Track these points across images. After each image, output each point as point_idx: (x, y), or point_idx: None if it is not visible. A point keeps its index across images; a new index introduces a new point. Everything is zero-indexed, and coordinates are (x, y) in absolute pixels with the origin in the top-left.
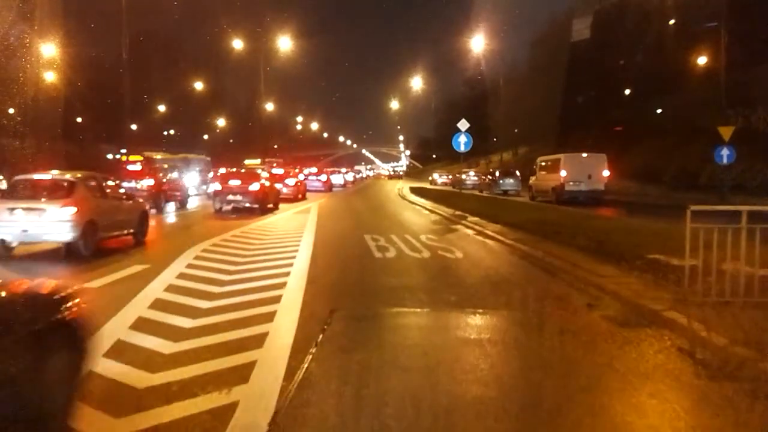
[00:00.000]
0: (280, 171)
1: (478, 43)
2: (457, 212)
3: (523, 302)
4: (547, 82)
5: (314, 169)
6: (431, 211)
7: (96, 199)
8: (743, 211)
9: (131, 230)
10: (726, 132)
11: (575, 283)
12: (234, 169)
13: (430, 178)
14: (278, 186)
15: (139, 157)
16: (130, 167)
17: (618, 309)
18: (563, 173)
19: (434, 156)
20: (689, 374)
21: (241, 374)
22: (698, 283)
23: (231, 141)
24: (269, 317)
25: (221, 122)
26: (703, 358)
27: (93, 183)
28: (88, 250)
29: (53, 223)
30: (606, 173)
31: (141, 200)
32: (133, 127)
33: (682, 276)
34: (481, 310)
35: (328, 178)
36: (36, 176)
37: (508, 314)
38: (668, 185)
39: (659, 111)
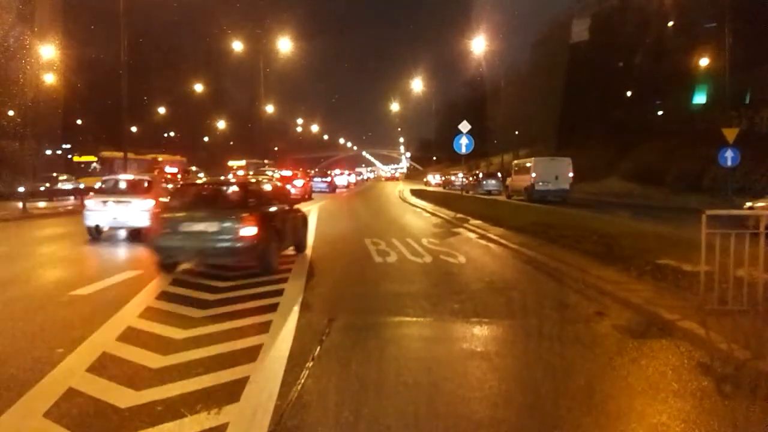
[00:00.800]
0: (287, 173)
1: (478, 45)
2: (459, 215)
3: (529, 311)
4: (547, 83)
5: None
6: (432, 214)
7: (166, 195)
8: (762, 216)
9: None
10: (730, 134)
11: (583, 290)
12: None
13: (424, 180)
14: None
15: (92, 158)
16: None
17: (630, 318)
18: (533, 175)
19: (435, 158)
20: (712, 392)
21: (232, 392)
22: (714, 291)
23: (231, 143)
24: (264, 327)
25: (221, 124)
26: (725, 373)
27: (163, 182)
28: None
29: (137, 212)
30: (570, 175)
31: None
32: (133, 129)
33: (695, 283)
34: (486, 320)
35: (332, 180)
36: (122, 176)
37: (514, 324)
38: (671, 187)
39: (660, 113)
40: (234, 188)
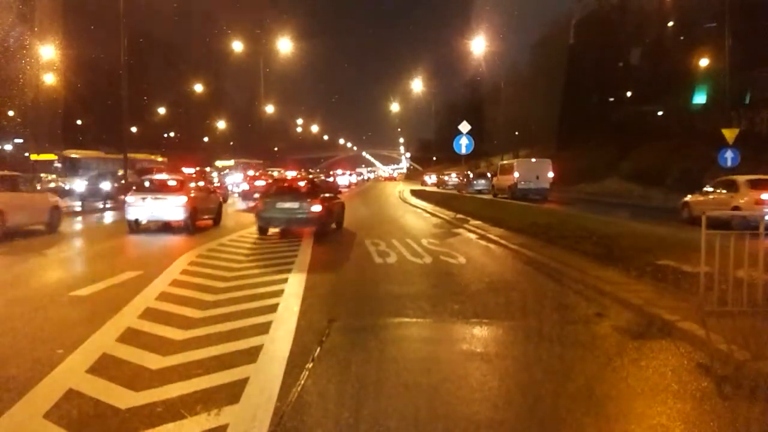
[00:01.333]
0: (292, 173)
1: (478, 46)
2: (459, 215)
3: (529, 312)
4: (547, 84)
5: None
6: (432, 214)
7: (198, 193)
8: (763, 217)
9: (213, 216)
10: (730, 134)
11: (583, 291)
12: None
13: (421, 180)
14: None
15: (51, 156)
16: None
17: (629, 319)
18: (516, 175)
19: (435, 158)
20: (712, 393)
21: (232, 393)
22: (714, 292)
23: (231, 143)
24: (264, 328)
25: (221, 124)
26: (725, 374)
27: (195, 181)
28: (192, 227)
29: (172, 207)
30: (550, 175)
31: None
32: (133, 129)
33: (695, 284)
34: (486, 321)
35: (335, 180)
36: (159, 176)
37: (515, 325)
38: (670, 188)
39: (660, 113)
40: (305, 182)
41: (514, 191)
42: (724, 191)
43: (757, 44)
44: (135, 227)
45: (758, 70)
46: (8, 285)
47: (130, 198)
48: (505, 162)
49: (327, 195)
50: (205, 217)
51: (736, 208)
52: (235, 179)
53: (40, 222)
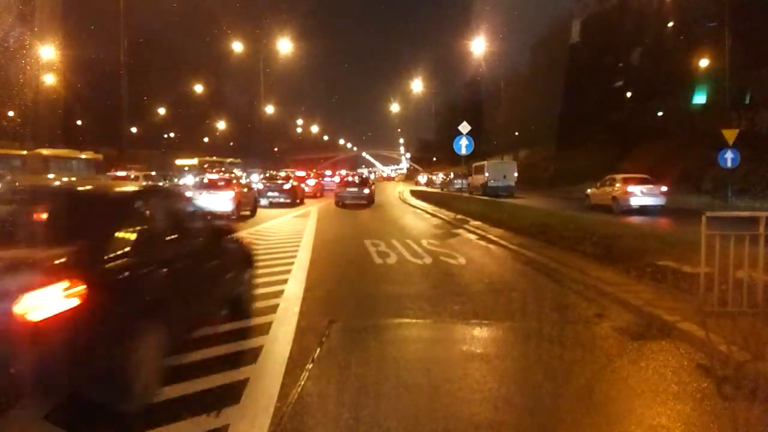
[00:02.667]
0: (301, 173)
1: (478, 46)
2: (459, 216)
3: (529, 312)
4: (547, 84)
5: (329, 172)
6: (432, 215)
7: (240, 189)
8: (762, 218)
9: (250, 208)
10: (730, 135)
11: (583, 292)
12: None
13: (415, 180)
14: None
15: (18, 152)
16: None
17: (629, 320)
18: (486, 174)
19: (435, 159)
20: (712, 394)
21: (232, 393)
22: (714, 293)
23: (231, 144)
24: (265, 329)
25: (221, 125)
26: (725, 375)
27: (238, 179)
28: (236, 216)
29: (223, 201)
30: (515, 174)
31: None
32: (133, 129)
33: (695, 284)
34: (486, 322)
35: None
36: (211, 176)
37: (514, 326)
38: (670, 189)
39: (660, 113)
40: (362, 177)
41: (485, 189)
42: (608, 186)
43: (757, 44)
44: None
45: (758, 70)
46: None
47: (188, 194)
48: (477, 164)
49: (371, 184)
50: (246, 209)
51: (614, 197)
52: (191, 180)
53: None
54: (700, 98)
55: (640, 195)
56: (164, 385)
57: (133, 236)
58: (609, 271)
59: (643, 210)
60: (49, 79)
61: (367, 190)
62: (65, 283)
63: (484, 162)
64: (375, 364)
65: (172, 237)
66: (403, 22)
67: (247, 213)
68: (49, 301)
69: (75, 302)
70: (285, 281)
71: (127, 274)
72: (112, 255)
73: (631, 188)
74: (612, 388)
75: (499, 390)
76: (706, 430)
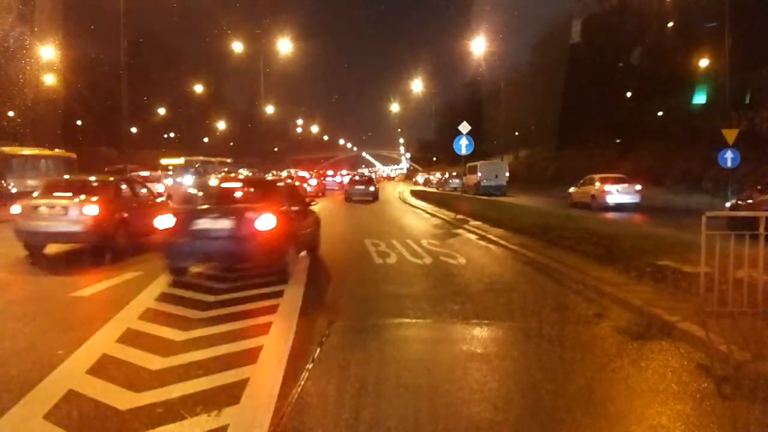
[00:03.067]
0: (304, 173)
1: (478, 46)
2: (459, 216)
3: (529, 312)
4: (547, 84)
5: (330, 172)
6: (432, 215)
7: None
8: (761, 217)
9: None
10: (730, 135)
11: (583, 291)
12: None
13: (414, 180)
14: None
15: None
16: None
17: (629, 319)
18: (479, 174)
19: (435, 159)
20: (712, 394)
21: (233, 394)
22: (714, 293)
23: (231, 144)
24: (264, 329)
25: (221, 125)
26: (725, 375)
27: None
28: None
29: None
30: (507, 174)
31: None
32: (133, 129)
33: (695, 284)
34: (486, 321)
35: (342, 180)
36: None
37: (514, 326)
38: (670, 188)
39: (660, 113)
40: (368, 177)
41: (478, 188)
42: (588, 185)
43: (757, 44)
44: None
45: (758, 70)
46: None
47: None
48: (471, 164)
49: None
50: None
51: (592, 195)
52: (184, 182)
53: None
54: (700, 98)
55: (616, 193)
56: (164, 385)
57: (285, 199)
58: (609, 271)
59: (619, 207)
60: (49, 79)
61: (372, 188)
62: (269, 215)
63: (477, 162)
64: (375, 364)
65: (295, 200)
66: (403, 22)
67: None
68: (264, 222)
69: (273, 223)
70: (285, 281)
71: (286, 214)
72: (281, 207)
73: (607, 187)
74: (612, 388)
75: (499, 390)
76: (706, 430)
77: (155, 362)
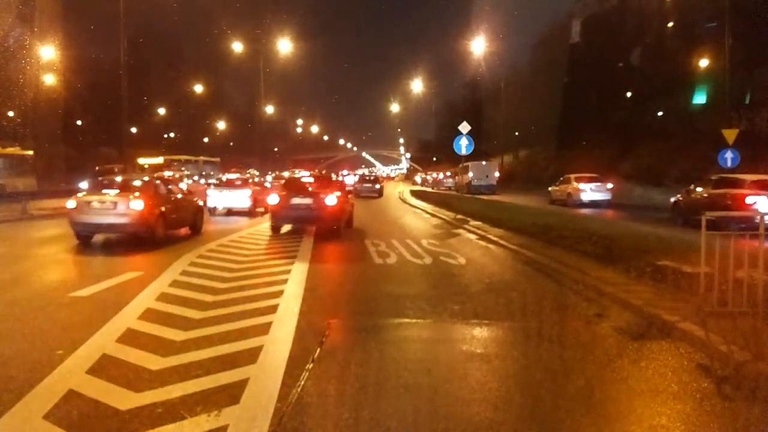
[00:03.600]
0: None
1: (478, 46)
2: (459, 216)
3: (529, 312)
4: (547, 84)
5: (345, 172)
6: (432, 215)
7: (257, 188)
8: (761, 217)
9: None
10: (730, 135)
11: (583, 291)
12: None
13: (412, 180)
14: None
15: None
16: None
17: (629, 319)
18: (470, 174)
19: (435, 159)
20: (712, 394)
21: (232, 394)
22: (714, 292)
23: (231, 144)
24: (264, 329)
25: (221, 125)
26: (725, 375)
27: (256, 179)
28: (254, 212)
29: (242, 198)
30: (497, 174)
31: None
32: (133, 129)
33: (695, 284)
34: (486, 321)
35: (344, 180)
36: (229, 175)
37: (514, 326)
38: (670, 188)
39: (660, 113)
40: (375, 176)
41: (469, 187)
42: (565, 183)
43: (757, 44)
44: (212, 213)
45: (758, 70)
46: None
47: (210, 191)
48: (463, 165)
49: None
50: (262, 207)
51: (568, 193)
52: (201, 181)
53: None
54: (700, 98)
55: (590, 191)
56: (164, 385)
57: (339, 188)
58: (609, 271)
59: (592, 204)
60: (49, 79)
61: (378, 186)
62: (332, 196)
63: (469, 163)
64: (375, 364)
65: (342, 189)
66: (403, 22)
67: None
68: (330, 200)
69: (334, 201)
70: (285, 281)
71: (339, 197)
72: (337, 192)
73: (582, 185)
74: (612, 388)
75: (499, 390)
76: (706, 430)
77: (155, 362)
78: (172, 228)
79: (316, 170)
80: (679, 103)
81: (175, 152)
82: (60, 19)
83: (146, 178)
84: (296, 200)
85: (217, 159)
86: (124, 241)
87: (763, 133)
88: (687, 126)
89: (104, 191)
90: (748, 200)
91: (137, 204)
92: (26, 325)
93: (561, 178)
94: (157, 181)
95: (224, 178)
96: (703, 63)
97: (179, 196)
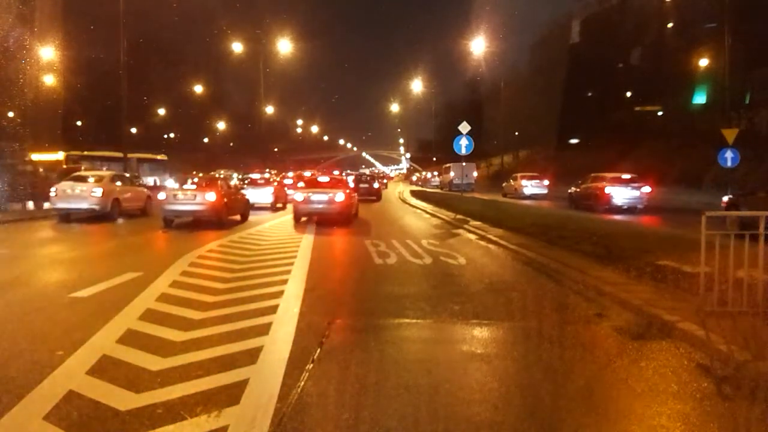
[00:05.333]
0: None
1: (478, 46)
2: (459, 216)
3: (529, 312)
4: (547, 84)
5: (336, 171)
6: (432, 215)
7: (279, 186)
8: (761, 216)
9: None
10: (730, 134)
11: (583, 291)
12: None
13: (410, 180)
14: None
15: None
16: None
17: (629, 319)
18: (452, 174)
19: (435, 159)
20: (712, 394)
21: (233, 394)
22: (714, 292)
23: (231, 144)
24: (264, 329)
25: (221, 125)
26: (725, 375)
27: (279, 178)
28: (275, 206)
29: (265, 195)
30: (475, 174)
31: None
32: (133, 130)
33: (695, 284)
34: (486, 322)
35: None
36: (253, 175)
37: (514, 326)
38: (670, 188)
39: (660, 113)
40: (378, 176)
41: (450, 186)
42: (513, 180)
43: (757, 44)
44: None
45: (758, 70)
46: None
47: (246, 190)
48: (446, 165)
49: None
50: (282, 202)
51: (514, 188)
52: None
53: None
54: (700, 98)
55: (530, 186)
56: (164, 385)
57: (348, 187)
58: (609, 271)
59: (532, 197)
60: (49, 80)
61: (375, 186)
62: (341, 193)
63: (450, 164)
64: (375, 364)
65: (350, 188)
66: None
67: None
68: (340, 197)
69: (343, 198)
70: (285, 281)
71: (348, 194)
72: (347, 190)
73: (524, 182)
74: (612, 387)
75: (499, 390)
76: (706, 429)
77: (155, 363)
78: (230, 215)
79: (331, 172)
80: (679, 103)
81: (175, 152)
82: (60, 20)
83: (217, 176)
84: (314, 197)
85: (163, 157)
86: (194, 223)
87: (762, 132)
88: (687, 126)
89: (185, 186)
90: (606, 190)
91: (210, 196)
92: (26, 326)
93: (512, 176)
94: (220, 181)
95: (250, 177)
96: (703, 63)
97: (235, 192)
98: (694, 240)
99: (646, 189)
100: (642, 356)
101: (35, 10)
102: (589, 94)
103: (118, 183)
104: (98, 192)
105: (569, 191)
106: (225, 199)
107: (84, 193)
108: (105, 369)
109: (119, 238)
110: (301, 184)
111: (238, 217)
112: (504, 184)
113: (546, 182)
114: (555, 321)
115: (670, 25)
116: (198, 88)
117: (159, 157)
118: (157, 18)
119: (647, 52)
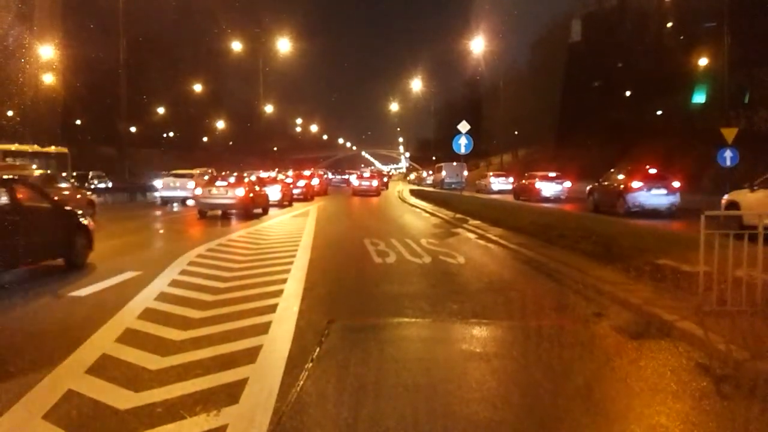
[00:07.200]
0: (307, 173)
1: (477, 45)
2: (458, 215)
3: (528, 312)
4: (546, 83)
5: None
6: (432, 214)
7: (286, 185)
8: (761, 215)
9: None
10: (729, 134)
11: (582, 291)
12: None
13: (408, 178)
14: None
15: None
16: None
17: (628, 319)
18: (443, 173)
19: (434, 158)
20: (711, 393)
21: (232, 393)
22: (713, 292)
23: (231, 143)
24: (264, 328)
25: (221, 124)
26: (724, 374)
27: (284, 177)
28: (282, 203)
29: (274, 192)
30: (465, 173)
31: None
32: (132, 129)
33: (694, 283)
34: (485, 321)
35: (348, 179)
36: (263, 174)
37: (514, 325)
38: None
39: (659, 112)
40: (381, 173)
41: (441, 184)
42: (484, 178)
43: (756, 44)
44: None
45: (757, 70)
46: None
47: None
48: (438, 165)
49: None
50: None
51: (484, 185)
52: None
53: None
54: (699, 97)
55: (498, 183)
56: (164, 384)
57: (382, 178)
58: (608, 270)
59: (499, 192)
60: (49, 79)
61: (376, 182)
62: (376, 181)
63: (442, 164)
64: (374, 363)
65: (382, 178)
66: (402, 21)
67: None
68: (376, 181)
69: (378, 182)
70: (284, 281)
71: (382, 182)
72: (381, 179)
73: (492, 179)
74: (611, 387)
75: (498, 389)
76: (706, 429)
77: (154, 362)
78: (255, 208)
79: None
80: (678, 103)
81: (174, 152)
82: (59, 19)
83: (245, 175)
84: (362, 184)
85: (61, 149)
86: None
87: (762, 132)
88: (686, 125)
89: (217, 183)
90: (537, 185)
91: (240, 191)
92: (25, 325)
93: (483, 175)
94: (248, 178)
95: (260, 176)
96: (703, 62)
97: (259, 189)
98: (692, 239)
99: (567, 184)
100: (641, 355)
101: (35, 9)
102: (589, 93)
103: None
104: (241, 192)
105: (511, 186)
106: (251, 194)
107: (227, 192)
108: (104, 368)
109: None
110: (354, 175)
111: (260, 210)
112: (477, 182)
113: (511, 179)
114: (554, 320)
115: (669, 24)
116: (197, 87)
117: (53, 149)
118: (156, 17)
119: (647, 51)
